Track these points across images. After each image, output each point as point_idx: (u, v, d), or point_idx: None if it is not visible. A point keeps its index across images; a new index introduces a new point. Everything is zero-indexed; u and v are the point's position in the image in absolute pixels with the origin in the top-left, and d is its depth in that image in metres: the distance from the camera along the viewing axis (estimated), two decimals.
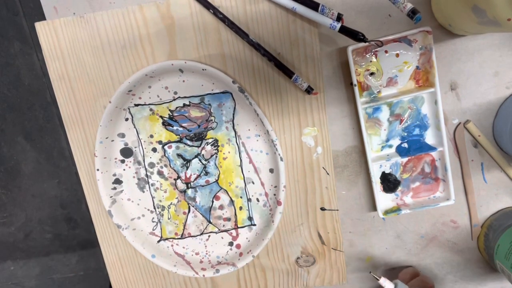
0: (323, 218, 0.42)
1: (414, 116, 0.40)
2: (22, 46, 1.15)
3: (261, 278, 0.45)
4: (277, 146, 0.40)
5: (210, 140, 0.43)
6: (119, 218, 0.44)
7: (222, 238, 0.45)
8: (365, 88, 0.40)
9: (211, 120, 0.42)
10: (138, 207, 0.45)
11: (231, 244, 0.45)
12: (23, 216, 1.31)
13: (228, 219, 0.45)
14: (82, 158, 0.43)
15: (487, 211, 0.43)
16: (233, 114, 0.41)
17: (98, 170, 0.43)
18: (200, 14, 0.38)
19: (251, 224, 0.45)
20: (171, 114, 0.42)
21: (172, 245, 0.46)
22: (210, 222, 0.45)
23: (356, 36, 0.35)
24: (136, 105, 0.42)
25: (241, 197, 0.44)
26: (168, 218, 0.45)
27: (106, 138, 0.42)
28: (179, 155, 0.43)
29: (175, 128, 0.42)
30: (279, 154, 0.40)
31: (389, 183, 0.42)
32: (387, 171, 0.42)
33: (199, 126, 0.42)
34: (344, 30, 0.35)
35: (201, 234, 0.46)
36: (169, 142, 0.43)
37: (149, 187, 0.44)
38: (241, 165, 0.43)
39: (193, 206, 0.45)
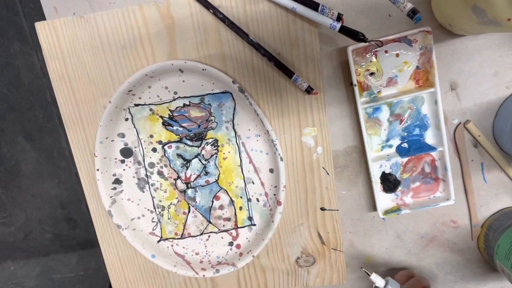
0: (323, 218, 0.42)
1: (414, 116, 0.40)
2: (22, 46, 1.15)
3: (261, 278, 0.45)
4: (277, 146, 0.40)
5: (210, 140, 0.43)
6: (119, 218, 0.44)
7: (222, 238, 0.45)
8: (365, 88, 0.40)
9: (211, 120, 0.42)
10: (138, 207, 0.45)
11: (231, 244, 0.45)
12: (23, 216, 1.31)
13: (228, 219, 0.45)
14: (82, 158, 0.43)
15: (487, 211, 0.43)
16: (233, 114, 0.41)
17: (98, 170, 0.43)
18: (200, 14, 0.38)
19: (251, 224, 0.45)
20: (171, 114, 0.42)
21: (172, 245, 0.46)
22: (210, 222, 0.45)
23: (356, 36, 0.35)
24: (136, 105, 0.42)
25: (241, 197, 0.44)
26: (168, 218, 0.45)
27: (106, 138, 0.42)
28: (179, 155, 0.43)
29: (175, 128, 0.42)
30: (279, 154, 0.40)
31: (389, 183, 0.42)
32: (387, 171, 0.42)
33: (199, 126, 0.42)
34: (344, 30, 0.35)
35: (201, 234, 0.46)
36: (169, 142, 0.43)
37: (149, 187, 0.44)
38: (241, 165, 0.43)
39: (193, 206, 0.45)
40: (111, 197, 0.44)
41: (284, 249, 0.44)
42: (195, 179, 0.44)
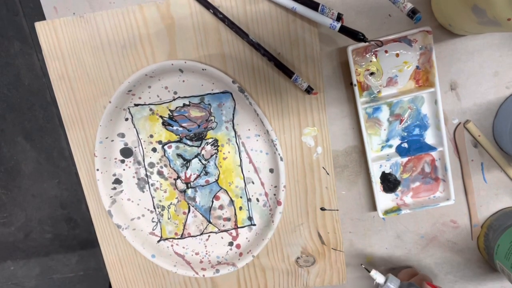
0: (323, 218, 0.42)
1: (414, 116, 0.40)
2: (22, 46, 1.15)
3: (261, 278, 0.45)
4: (277, 146, 0.40)
5: (210, 140, 0.43)
6: (119, 218, 0.44)
7: (222, 238, 0.45)
8: (365, 88, 0.40)
9: (211, 120, 0.42)
10: (138, 207, 0.45)
11: (231, 244, 0.45)
12: (23, 216, 1.31)
13: (228, 219, 0.45)
14: (82, 158, 0.43)
15: (487, 211, 0.43)
16: (233, 114, 0.41)
17: (98, 170, 0.43)
18: (200, 14, 0.38)
19: (251, 224, 0.45)
20: (171, 114, 0.42)
21: (172, 245, 0.46)
22: (210, 222, 0.45)
23: (356, 36, 0.35)
24: (136, 105, 0.42)
25: (241, 197, 0.44)
26: (168, 218, 0.45)
27: (106, 138, 0.42)
28: (179, 155, 0.43)
29: (175, 128, 0.42)
30: (279, 154, 0.40)
31: (389, 183, 0.42)
32: (387, 171, 0.42)
33: (199, 126, 0.42)
34: (344, 30, 0.35)
35: (201, 234, 0.46)
36: (169, 142, 0.43)
37: (149, 187, 0.44)
38: (241, 165, 0.43)
39: (193, 206, 0.45)
40: (111, 197, 0.44)
41: (284, 249, 0.44)
42: (195, 179, 0.44)
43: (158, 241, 0.46)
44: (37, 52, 1.16)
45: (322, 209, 0.42)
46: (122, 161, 0.44)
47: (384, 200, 0.43)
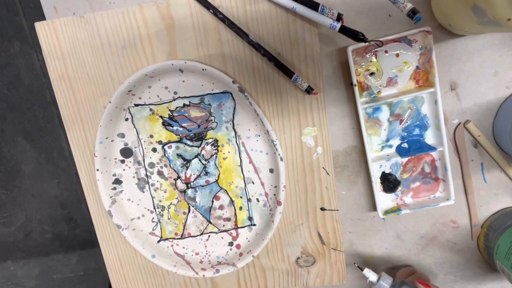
0: (323, 218, 0.42)
1: (414, 116, 0.40)
2: (22, 46, 1.15)
3: (261, 278, 0.45)
4: (277, 146, 0.40)
5: (210, 140, 0.43)
6: (119, 218, 0.44)
7: (222, 238, 0.45)
8: (365, 88, 0.40)
9: (211, 120, 0.42)
10: (138, 207, 0.45)
11: (231, 244, 0.45)
12: (23, 216, 1.31)
13: (228, 219, 0.45)
14: (82, 158, 0.43)
15: (487, 211, 0.43)
16: (233, 114, 0.41)
17: (98, 170, 0.43)
18: (200, 14, 0.38)
19: (251, 224, 0.45)
20: (171, 114, 0.42)
21: (172, 245, 0.46)
22: (210, 222, 0.45)
23: (356, 36, 0.35)
24: (136, 105, 0.42)
25: (241, 197, 0.44)
26: (168, 218, 0.45)
27: (106, 138, 0.42)
28: (179, 155, 0.43)
29: (175, 128, 0.42)
30: (279, 154, 0.40)
31: (389, 183, 0.42)
32: (387, 171, 0.42)
33: (199, 126, 0.42)
34: (344, 30, 0.35)
35: (201, 234, 0.46)
36: (169, 142, 0.43)
37: (149, 187, 0.44)
38: (241, 165, 0.43)
39: (193, 206, 0.45)
40: (111, 197, 0.44)
41: (284, 249, 0.44)
42: (195, 179, 0.44)
43: (158, 241, 0.46)
44: (37, 52, 1.16)
45: (322, 209, 0.42)
46: (122, 161, 0.44)
47: (384, 200, 0.43)
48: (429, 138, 0.41)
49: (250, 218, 0.44)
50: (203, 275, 0.45)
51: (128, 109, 0.42)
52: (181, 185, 0.44)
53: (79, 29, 0.39)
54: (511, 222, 0.40)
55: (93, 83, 0.41)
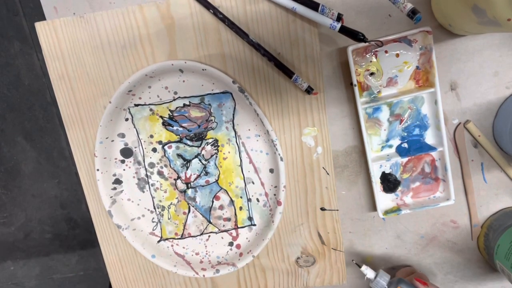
0: (323, 218, 0.42)
1: (414, 116, 0.40)
2: (22, 46, 1.15)
3: (261, 278, 0.45)
4: (277, 146, 0.40)
5: (210, 140, 0.43)
6: (119, 218, 0.44)
7: (222, 238, 0.45)
8: (365, 88, 0.40)
9: (211, 120, 0.42)
10: (138, 207, 0.45)
11: (231, 244, 0.45)
12: (23, 216, 1.31)
13: (228, 219, 0.45)
14: (82, 158, 0.43)
15: (487, 211, 0.43)
16: (233, 114, 0.41)
17: (98, 170, 0.43)
18: (200, 14, 0.38)
19: (251, 224, 0.45)
20: (171, 114, 0.42)
21: (172, 245, 0.46)
22: (210, 222, 0.45)
23: (356, 36, 0.35)
24: (136, 105, 0.42)
25: (241, 197, 0.44)
26: (168, 218, 0.45)
27: (106, 138, 0.42)
28: (179, 155, 0.43)
29: (175, 128, 0.42)
30: (279, 154, 0.40)
31: (389, 183, 0.42)
32: (387, 171, 0.42)
33: (199, 126, 0.42)
34: (344, 30, 0.35)
35: (201, 234, 0.46)
36: (169, 142, 0.43)
37: (149, 187, 0.44)
38: (241, 165, 0.43)
39: (193, 206, 0.45)
40: (111, 197, 0.44)
41: (284, 249, 0.44)
42: (195, 179, 0.44)
43: (158, 241, 0.46)
44: (37, 52, 1.16)
45: (322, 209, 0.42)
46: (122, 161, 0.44)
47: (384, 200, 0.43)
48: (429, 138, 0.41)
49: (250, 218, 0.44)
50: (203, 275, 0.45)
51: (128, 109, 0.42)
52: (181, 185, 0.44)
53: (79, 29, 0.39)
54: (511, 222, 0.40)
55: (93, 83, 0.41)
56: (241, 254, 0.45)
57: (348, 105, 0.41)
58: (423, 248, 0.45)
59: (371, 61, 0.39)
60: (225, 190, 0.44)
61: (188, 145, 0.43)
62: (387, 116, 0.41)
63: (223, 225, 0.45)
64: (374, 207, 0.44)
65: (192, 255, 0.46)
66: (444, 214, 0.43)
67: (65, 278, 1.39)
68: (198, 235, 0.46)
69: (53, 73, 0.41)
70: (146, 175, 0.44)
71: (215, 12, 0.38)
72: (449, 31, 0.38)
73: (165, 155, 0.43)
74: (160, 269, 0.46)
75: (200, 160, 0.43)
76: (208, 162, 0.43)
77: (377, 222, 0.44)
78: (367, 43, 0.36)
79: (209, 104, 0.41)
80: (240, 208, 0.44)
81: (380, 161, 0.41)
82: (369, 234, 0.45)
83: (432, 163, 0.41)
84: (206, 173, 0.44)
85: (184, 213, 0.45)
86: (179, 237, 0.46)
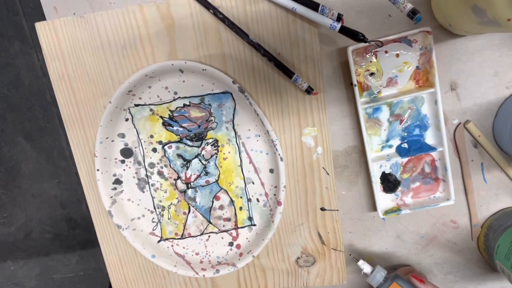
0: (323, 218, 0.42)
1: (414, 116, 0.40)
2: (22, 46, 1.15)
3: (261, 278, 0.45)
4: (277, 146, 0.40)
5: (210, 140, 0.43)
6: (119, 218, 0.44)
7: (222, 238, 0.45)
8: (365, 88, 0.40)
9: (211, 120, 0.42)
10: (138, 207, 0.45)
11: (231, 244, 0.45)
12: (23, 216, 1.31)
13: (228, 219, 0.45)
14: (82, 158, 0.43)
15: (487, 211, 0.43)
16: (233, 114, 0.41)
17: (98, 170, 0.43)
18: (200, 14, 0.38)
19: (251, 224, 0.45)
20: (171, 114, 0.42)
21: (172, 245, 0.46)
22: (210, 222, 0.45)
23: (356, 36, 0.35)
24: (136, 105, 0.42)
25: (241, 197, 0.44)
26: (168, 218, 0.45)
27: (106, 138, 0.42)
28: (179, 155, 0.43)
29: (175, 128, 0.42)
30: (279, 154, 0.40)
31: (389, 183, 0.42)
32: (387, 171, 0.42)
33: (199, 126, 0.42)
34: (344, 30, 0.35)
35: (201, 234, 0.46)
36: (169, 142, 0.43)
37: (149, 187, 0.44)
38: (241, 165, 0.43)
39: (193, 206, 0.45)
40: (111, 197, 0.44)
41: (284, 249, 0.44)
42: (195, 179, 0.44)
43: (158, 241, 0.46)
44: (37, 52, 1.16)
45: (322, 209, 0.42)
46: (123, 161, 0.44)
47: (384, 200, 0.43)
48: (429, 138, 0.41)
49: (250, 218, 0.44)
50: (203, 275, 0.45)
51: (128, 109, 0.42)
52: (181, 185, 0.44)
53: (79, 29, 0.39)
54: (511, 222, 0.40)
55: (93, 83, 0.41)
56: (241, 254, 0.45)
57: (348, 105, 0.41)
58: (423, 248, 0.45)
59: (371, 61, 0.39)
60: (225, 190, 0.44)
61: (188, 145, 0.43)
62: (387, 116, 0.41)
63: (223, 225, 0.45)
64: (374, 207, 0.44)
65: (192, 255, 0.46)
66: (444, 214, 0.43)
67: (65, 278, 1.39)
68: (198, 235, 0.46)
69: (53, 73, 0.41)
70: (146, 175, 0.44)
71: (215, 12, 0.38)
72: (449, 31, 0.38)
73: (165, 155, 0.43)
74: (160, 269, 0.46)
75: (200, 160, 0.43)
76: (208, 162, 0.43)
77: (377, 222, 0.44)
78: (367, 43, 0.36)
79: (209, 104, 0.41)
80: (240, 208, 0.44)
81: (380, 161, 0.41)
82: (369, 234, 0.45)
83: (432, 163, 0.41)
84: (206, 173, 0.44)
85: (184, 213, 0.45)
86: (179, 237, 0.46)
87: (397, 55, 0.39)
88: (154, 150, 0.43)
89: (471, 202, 0.42)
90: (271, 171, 0.42)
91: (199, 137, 0.43)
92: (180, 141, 0.43)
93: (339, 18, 0.35)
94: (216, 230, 0.45)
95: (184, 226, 0.45)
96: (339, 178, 0.43)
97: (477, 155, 0.42)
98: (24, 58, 1.16)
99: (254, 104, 0.39)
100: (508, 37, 0.39)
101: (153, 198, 0.45)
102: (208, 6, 0.38)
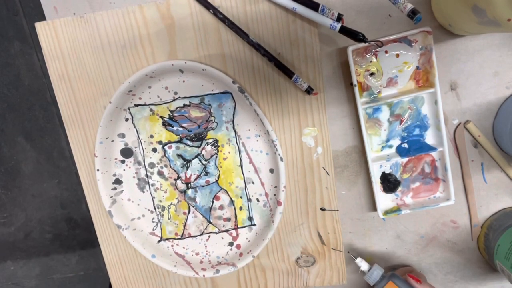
0: (323, 218, 0.42)
1: (414, 116, 0.40)
2: (22, 46, 1.15)
3: (261, 278, 0.45)
4: (277, 146, 0.40)
5: (210, 140, 0.43)
6: (119, 218, 0.44)
7: (222, 238, 0.45)
8: (365, 88, 0.40)
9: (211, 120, 0.42)
10: (138, 207, 0.45)
11: (231, 244, 0.45)
12: (23, 216, 1.31)
13: (228, 219, 0.45)
14: (82, 158, 0.43)
15: (487, 211, 0.43)
16: (233, 114, 0.41)
17: (98, 170, 0.43)
18: (200, 14, 0.38)
19: (251, 224, 0.45)
20: (171, 114, 0.42)
21: (172, 245, 0.46)
22: (210, 222, 0.45)
23: (356, 36, 0.35)
24: (136, 105, 0.42)
25: (241, 197, 0.44)
26: (168, 218, 0.45)
27: (106, 138, 0.42)
28: (179, 155, 0.43)
29: (175, 128, 0.42)
30: (279, 154, 0.40)
31: (389, 183, 0.42)
32: (387, 171, 0.42)
33: (199, 126, 0.42)
34: (344, 31, 0.35)
35: (201, 234, 0.46)
36: (169, 142, 0.43)
37: (149, 187, 0.44)
38: (241, 165, 0.43)
39: (193, 206, 0.45)
40: (111, 197, 0.44)
41: (284, 249, 0.44)
42: (195, 179, 0.44)
43: (158, 241, 0.46)
44: (37, 52, 1.16)
45: (322, 209, 0.42)
46: (123, 161, 0.44)
47: (384, 200, 0.43)
48: (429, 138, 0.41)
49: (250, 218, 0.44)
50: (203, 275, 0.45)
51: (128, 109, 0.42)
52: (181, 185, 0.44)
53: (79, 29, 0.39)
54: (511, 222, 0.40)
55: (93, 83, 0.41)
56: (241, 254, 0.45)
57: (348, 105, 0.41)
58: (423, 248, 0.45)
59: (371, 61, 0.39)
60: (225, 190, 0.44)
61: (188, 145, 0.43)
62: (387, 116, 0.41)
63: (223, 225, 0.45)
64: (374, 207, 0.44)
65: (192, 255, 0.46)
66: (444, 214, 0.43)
67: (65, 278, 1.39)
68: (198, 235, 0.46)
69: (53, 73, 0.41)
70: (146, 175, 0.44)
71: (215, 12, 0.38)
72: (449, 31, 0.38)
73: (165, 155, 0.43)
74: (160, 269, 0.46)
75: (200, 160, 0.43)
76: (208, 162, 0.43)
77: (377, 222, 0.44)
78: (367, 43, 0.36)
79: (209, 104, 0.41)
80: (240, 208, 0.44)
81: (380, 161, 0.41)
82: (369, 234, 0.45)
83: (432, 163, 0.41)
84: (206, 173, 0.44)
85: (184, 213, 0.45)
86: (179, 237, 0.46)
87: (397, 55, 0.39)
88: (154, 150, 0.43)
89: (471, 202, 0.42)
90: (271, 171, 0.42)
91: (199, 137, 0.43)
92: (180, 141, 0.43)
93: (339, 18, 0.35)
94: (216, 230, 0.45)
95: (184, 226, 0.45)
96: (339, 178, 0.43)
97: (477, 155, 0.42)
98: (24, 58, 1.16)
99: (254, 104, 0.39)
100: (508, 37, 0.39)
101: (153, 198, 0.45)
102: (208, 6, 0.38)
